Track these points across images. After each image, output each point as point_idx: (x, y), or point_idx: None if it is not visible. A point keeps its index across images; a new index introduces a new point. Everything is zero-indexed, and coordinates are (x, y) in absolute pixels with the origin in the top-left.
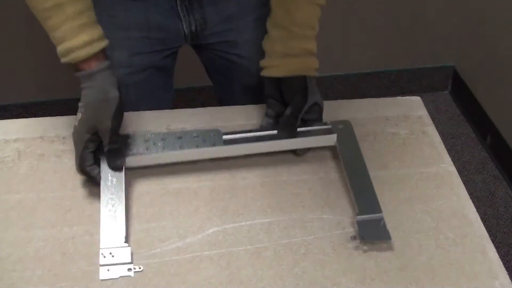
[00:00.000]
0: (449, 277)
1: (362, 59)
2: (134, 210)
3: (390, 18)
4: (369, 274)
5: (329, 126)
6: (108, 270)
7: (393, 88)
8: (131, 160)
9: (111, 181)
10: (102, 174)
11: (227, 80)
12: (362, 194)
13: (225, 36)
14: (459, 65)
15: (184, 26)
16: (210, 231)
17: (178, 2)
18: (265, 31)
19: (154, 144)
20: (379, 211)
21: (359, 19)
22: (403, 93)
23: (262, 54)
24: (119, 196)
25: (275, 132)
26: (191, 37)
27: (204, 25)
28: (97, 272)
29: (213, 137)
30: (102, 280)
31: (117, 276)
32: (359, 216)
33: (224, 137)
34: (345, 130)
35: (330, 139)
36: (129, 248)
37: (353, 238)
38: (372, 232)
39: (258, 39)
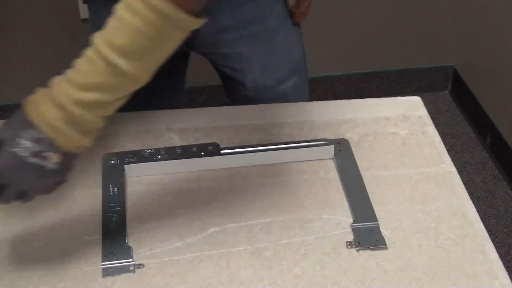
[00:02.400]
0: (449, 277)
1: (362, 59)
2: (134, 210)
3: (390, 18)
4: (369, 274)
5: (327, 142)
6: (110, 269)
7: (393, 88)
8: (131, 170)
9: (112, 190)
10: (103, 183)
11: (226, 87)
12: (359, 205)
13: (217, 48)
14: (459, 65)
15: None
16: (210, 231)
17: None
18: (259, 47)
19: (154, 158)
20: (375, 220)
21: (359, 19)
22: (403, 93)
23: (255, 69)
24: (121, 204)
25: (273, 146)
26: (185, 44)
27: (196, 34)
28: (97, 272)
29: (211, 150)
30: (103, 279)
31: (119, 274)
32: (355, 224)
33: (222, 151)
34: (342, 145)
35: (328, 152)
36: (131, 247)
37: (349, 244)
38: (367, 239)
39: (252, 54)
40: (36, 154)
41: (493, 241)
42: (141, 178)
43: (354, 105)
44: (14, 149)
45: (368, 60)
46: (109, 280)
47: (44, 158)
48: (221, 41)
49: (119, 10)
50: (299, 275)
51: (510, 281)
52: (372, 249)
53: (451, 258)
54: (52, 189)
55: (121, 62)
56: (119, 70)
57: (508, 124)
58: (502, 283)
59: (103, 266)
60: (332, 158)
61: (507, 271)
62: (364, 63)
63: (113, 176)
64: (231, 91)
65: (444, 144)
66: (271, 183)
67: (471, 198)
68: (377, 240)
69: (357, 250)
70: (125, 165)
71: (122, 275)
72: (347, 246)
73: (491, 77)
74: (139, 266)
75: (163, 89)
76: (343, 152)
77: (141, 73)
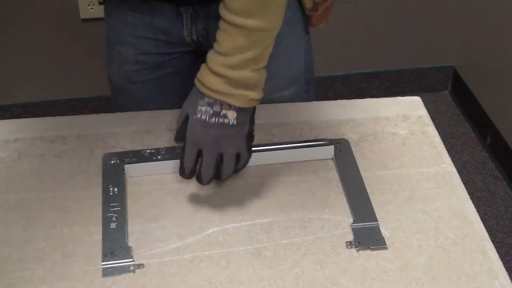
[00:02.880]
0: (449, 277)
1: (362, 59)
2: (134, 210)
3: (390, 18)
4: (369, 274)
5: (327, 142)
6: (110, 269)
7: (393, 88)
8: (131, 170)
9: (112, 190)
10: (103, 183)
11: None
12: (359, 205)
13: None
14: (459, 65)
15: (185, 34)
16: (210, 231)
17: (183, 10)
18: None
19: (154, 157)
20: (375, 220)
21: (359, 19)
22: (403, 93)
23: None
24: (121, 204)
25: (273, 146)
26: (196, 45)
27: (206, 36)
28: (97, 272)
29: None
30: (103, 279)
31: (119, 274)
32: (355, 224)
33: None
34: (342, 145)
35: (328, 152)
36: (131, 246)
37: (349, 244)
38: (367, 239)
39: None
40: (215, 114)
41: (493, 241)
42: (141, 178)
43: (354, 105)
44: (197, 115)
45: (368, 60)
46: (109, 280)
47: (223, 116)
48: None
49: None
50: (299, 275)
51: (510, 281)
52: (372, 249)
53: (451, 258)
54: (248, 148)
55: (245, 21)
56: (248, 29)
57: (508, 124)
58: (502, 283)
59: (103, 266)
60: (332, 158)
61: (507, 271)
62: (364, 63)
63: (113, 176)
64: None
65: (444, 144)
66: (271, 183)
67: (471, 198)
68: (377, 240)
69: (357, 250)
70: (125, 165)
71: (122, 275)
72: (347, 246)
73: (491, 77)
74: (139, 266)
75: (164, 89)
76: (343, 152)
77: (268, 22)
